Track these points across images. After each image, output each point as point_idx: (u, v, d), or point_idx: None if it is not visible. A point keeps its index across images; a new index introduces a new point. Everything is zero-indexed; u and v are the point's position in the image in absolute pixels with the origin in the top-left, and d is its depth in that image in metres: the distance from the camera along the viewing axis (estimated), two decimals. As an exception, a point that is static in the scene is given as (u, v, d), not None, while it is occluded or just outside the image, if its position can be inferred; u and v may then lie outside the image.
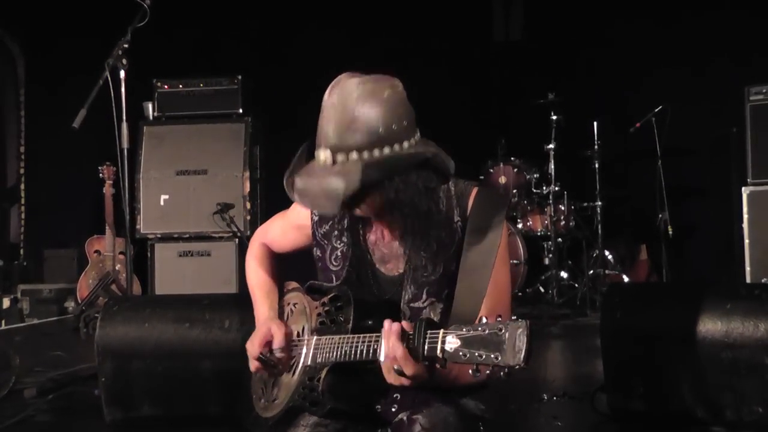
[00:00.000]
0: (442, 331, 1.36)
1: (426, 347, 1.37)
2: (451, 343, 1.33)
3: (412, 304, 1.66)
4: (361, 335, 1.51)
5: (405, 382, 1.46)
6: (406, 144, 1.51)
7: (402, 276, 1.67)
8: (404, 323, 1.48)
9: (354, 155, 1.47)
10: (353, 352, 1.52)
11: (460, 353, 1.31)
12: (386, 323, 1.47)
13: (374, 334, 1.48)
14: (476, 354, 1.29)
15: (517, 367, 1.26)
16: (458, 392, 1.62)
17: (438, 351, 1.35)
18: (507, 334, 1.27)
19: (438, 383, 1.53)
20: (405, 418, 1.56)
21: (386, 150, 1.48)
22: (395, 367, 1.44)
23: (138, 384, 2.66)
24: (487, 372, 1.29)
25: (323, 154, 1.50)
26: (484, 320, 1.32)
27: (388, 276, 1.70)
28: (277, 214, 1.93)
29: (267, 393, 1.74)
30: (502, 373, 1.28)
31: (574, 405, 2.94)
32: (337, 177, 1.47)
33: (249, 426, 1.75)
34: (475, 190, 1.68)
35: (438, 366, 1.39)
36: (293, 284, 1.86)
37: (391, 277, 1.69)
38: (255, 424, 1.72)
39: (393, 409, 1.60)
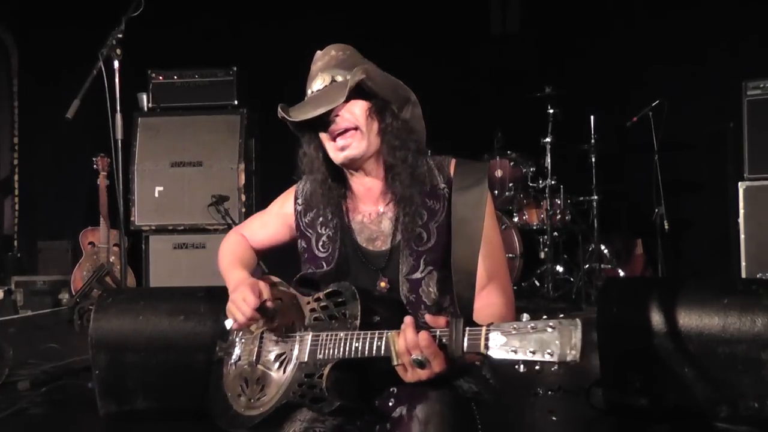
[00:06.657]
0: (484, 327, 1.38)
1: (466, 343, 1.39)
2: (496, 339, 1.36)
3: (410, 276, 1.68)
4: (376, 332, 1.50)
5: (423, 376, 1.46)
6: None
7: (390, 249, 1.70)
8: (428, 317, 1.49)
9: (352, 71, 1.65)
10: (367, 348, 1.51)
11: (505, 349, 1.35)
12: (406, 318, 1.49)
13: (391, 331, 1.48)
14: (526, 350, 1.33)
15: (572, 363, 1.31)
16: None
17: (481, 347, 1.37)
18: (558, 332, 1.32)
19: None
20: (404, 413, 1.55)
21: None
22: (415, 357, 1.44)
23: (132, 377, 2.64)
24: (536, 368, 1.33)
25: (321, 79, 1.69)
26: (525, 317, 1.36)
27: (375, 251, 1.72)
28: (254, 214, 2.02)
29: (251, 390, 1.69)
30: (553, 368, 1.32)
31: (570, 399, 2.94)
32: (340, 81, 1.66)
33: (226, 425, 1.69)
34: (454, 161, 1.76)
35: (477, 363, 1.41)
36: (274, 278, 1.83)
37: (380, 251, 1.72)
38: (234, 423, 1.68)
39: (390, 404, 1.59)
